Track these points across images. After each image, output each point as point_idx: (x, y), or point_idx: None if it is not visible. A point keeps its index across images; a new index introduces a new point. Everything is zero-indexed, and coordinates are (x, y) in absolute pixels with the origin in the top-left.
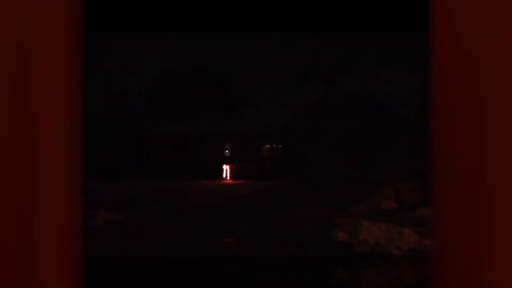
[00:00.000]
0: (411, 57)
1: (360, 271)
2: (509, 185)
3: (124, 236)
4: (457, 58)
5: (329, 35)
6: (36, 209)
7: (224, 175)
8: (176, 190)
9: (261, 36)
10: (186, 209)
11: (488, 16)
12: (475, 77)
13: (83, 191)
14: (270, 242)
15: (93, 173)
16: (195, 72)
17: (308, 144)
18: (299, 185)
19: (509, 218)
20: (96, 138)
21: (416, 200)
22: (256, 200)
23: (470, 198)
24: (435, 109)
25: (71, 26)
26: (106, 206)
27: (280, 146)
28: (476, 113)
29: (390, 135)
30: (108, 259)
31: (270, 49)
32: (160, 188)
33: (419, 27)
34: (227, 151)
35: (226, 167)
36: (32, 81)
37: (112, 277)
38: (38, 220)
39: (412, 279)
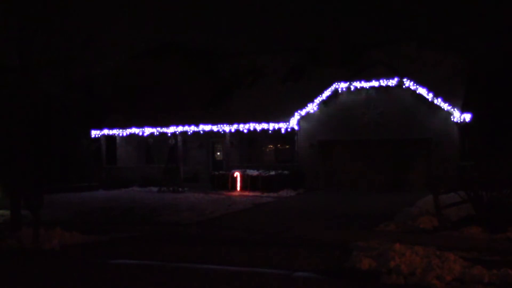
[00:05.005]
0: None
1: None
2: None
3: None
4: None
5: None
6: None
7: (237, 186)
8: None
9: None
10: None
11: None
12: None
13: None
14: None
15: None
16: (177, 50)
17: (325, 143)
18: (311, 196)
19: None
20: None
21: (461, 216)
22: (255, 217)
23: None
24: None
25: None
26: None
27: (287, 146)
28: None
29: (429, 130)
30: None
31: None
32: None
33: None
34: (218, 153)
35: (236, 174)
36: None
37: None
38: None
39: None
